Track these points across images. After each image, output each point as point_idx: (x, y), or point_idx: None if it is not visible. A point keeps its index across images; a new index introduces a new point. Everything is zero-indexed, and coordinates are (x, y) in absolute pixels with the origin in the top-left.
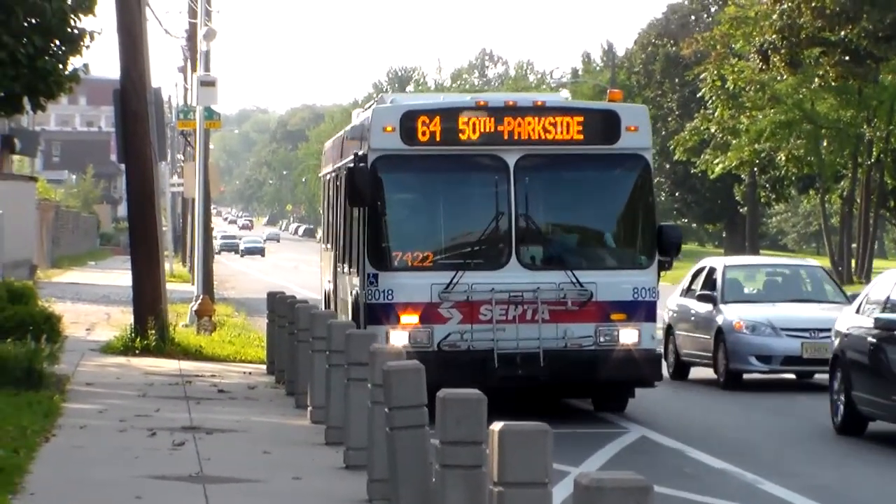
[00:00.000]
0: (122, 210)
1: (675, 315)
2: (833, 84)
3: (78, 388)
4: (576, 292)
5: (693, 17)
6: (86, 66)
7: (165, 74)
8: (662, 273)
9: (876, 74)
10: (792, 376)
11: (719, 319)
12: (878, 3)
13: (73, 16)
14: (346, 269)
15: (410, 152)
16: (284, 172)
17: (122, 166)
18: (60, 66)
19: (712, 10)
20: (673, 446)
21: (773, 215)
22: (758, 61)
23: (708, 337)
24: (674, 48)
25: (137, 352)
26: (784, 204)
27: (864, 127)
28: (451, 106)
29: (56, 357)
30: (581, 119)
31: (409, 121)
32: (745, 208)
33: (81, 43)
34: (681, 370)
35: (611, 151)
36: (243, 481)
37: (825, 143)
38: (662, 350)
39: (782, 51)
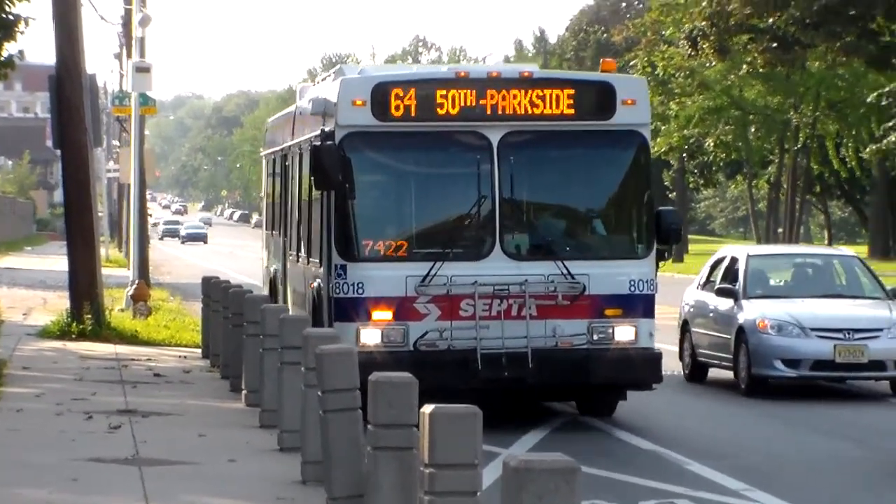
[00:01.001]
0: (59, 196)
1: (692, 310)
2: (761, 71)
3: (14, 372)
4: (567, 285)
5: (624, 4)
6: (21, 52)
7: (101, 60)
8: (662, 263)
9: (803, 61)
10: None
11: (741, 317)
12: None
13: (7, 2)
14: (300, 258)
15: (383, 129)
16: (219, 158)
17: (58, 152)
18: None
19: None
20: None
21: (701, 200)
22: (687, 48)
23: (728, 336)
24: (605, 35)
25: (74, 336)
26: (712, 189)
27: (791, 113)
28: (429, 77)
29: None
30: (572, 92)
31: (381, 94)
32: (674, 193)
33: (16, 29)
34: (698, 371)
35: (605, 128)
36: (179, 463)
37: (753, 130)
38: (658, 349)
39: (711, 37)
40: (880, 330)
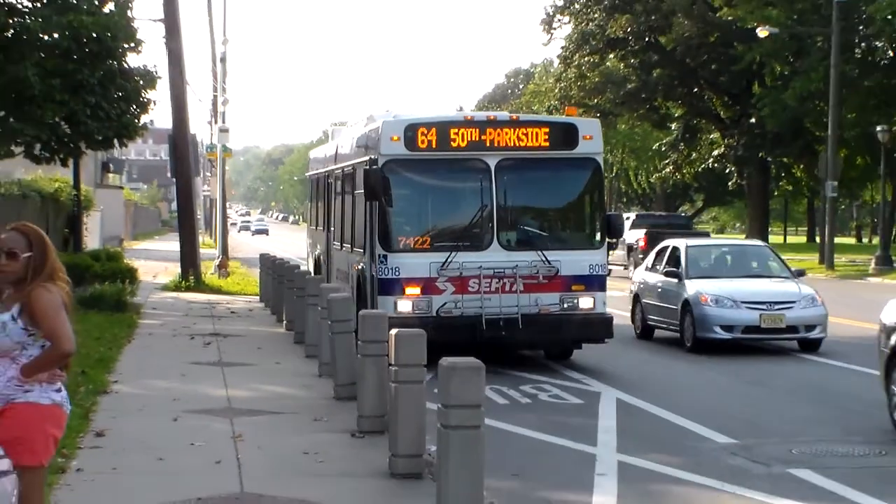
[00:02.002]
0: (174, 206)
1: (641, 287)
2: None
3: (147, 311)
4: (545, 268)
5: (510, 91)
6: (151, 121)
7: (198, 124)
8: (611, 252)
9: (615, 124)
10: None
11: (685, 293)
12: (615, 81)
13: (143, 90)
14: (343, 248)
15: (412, 157)
16: (269, 184)
17: (174, 180)
18: (136, 121)
19: (520, 87)
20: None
21: None
22: None
23: (675, 307)
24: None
25: (183, 289)
26: None
27: (608, 156)
28: (445, 119)
29: (134, 293)
30: (547, 130)
31: (411, 131)
32: None
33: (148, 107)
34: (646, 332)
35: (571, 156)
36: (246, 365)
37: None
38: (611, 313)
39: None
40: (793, 302)
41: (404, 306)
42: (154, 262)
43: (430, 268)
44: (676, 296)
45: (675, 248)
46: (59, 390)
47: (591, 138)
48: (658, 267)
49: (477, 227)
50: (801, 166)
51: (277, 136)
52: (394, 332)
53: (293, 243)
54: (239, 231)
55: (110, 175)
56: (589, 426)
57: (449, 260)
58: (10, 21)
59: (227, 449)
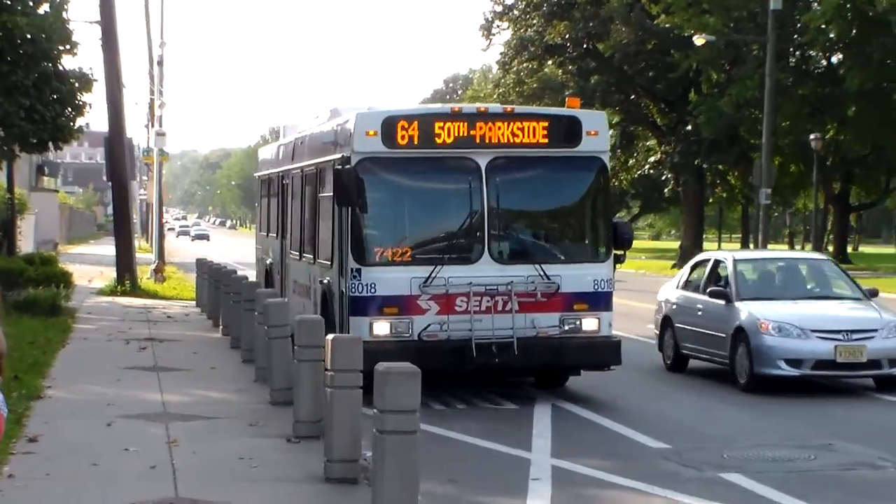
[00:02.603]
0: (110, 209)
1: (674, 307)
2: None
3: (82, 315)
4: (544, 285)
5: (448, 97)
6: (87, 124)
7: (134, 127)
8: (619, 265)
9: None
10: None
11: (738, 318)
12: (553, 87)
13: (79, 93)
14: (303, 258)
15: (390, 155)
16: (207, 188)
17: (110, 184)
18: (71, 123)
19: (459, 92)
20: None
21: None
22: None
23: (723, 335)
24: None
25: (118, 294)
26: None
27: None
28: (429, 112)
29: (69, 297)
30: (546, 124)
31: (389, 125)
32: None
33: (84, 110)
34: (679, 363)
35: (572, 154)
36: (182, 370)
37: None
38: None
39: None
40: (875, 331)
41: (381, 329)
42: (89, 266)
43: (412, 284)
44: (725, 321)
45: (719, 262)
46: None
47: (597, 134)
48: (694, 284)
49: (465, 237)
50: (736, 173)
51: (215, 139)
52: (330, 337)
53: (231, 248)
54: (178, 236)
55: (45, 178)
56: (524, 434)
57: (433, 275)
58: None
59: (161, 454)
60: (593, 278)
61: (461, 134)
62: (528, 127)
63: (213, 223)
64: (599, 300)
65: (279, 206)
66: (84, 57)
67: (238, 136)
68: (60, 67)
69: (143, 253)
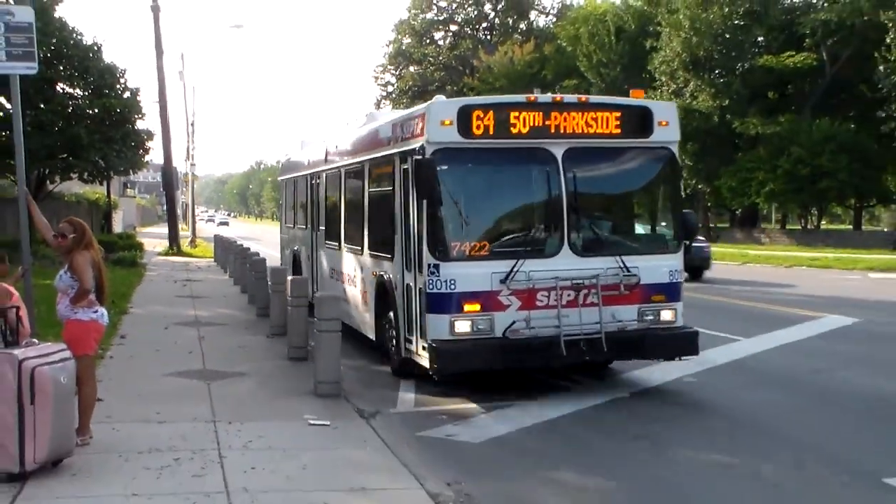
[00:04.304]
0: (165, 208)
1: None
2: None
3: (150, 266)
4: (626, 277)
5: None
6: (151, 159)
7: (178, 158)
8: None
9: None
10: None
11: None
12: (513, 78)
13: (145, 142)
14: (345, 248)
15: (466, 145)
16: (219, 194)
17: (164, 192)
18: (142, 159)
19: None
20: None
21: None
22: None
23: None
24: None
25: (170, 255)
26: None
27: None
28: (504, 101)
29: (141, 256)
30: (619, 114)
31: (465, 115)
32: None
33: (148, 152)
34: None
35: (645, 144)
36: (206, 297)
37: None
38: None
39: None
40: None
41: (462, 326)
42: (154, 239)
43: (492, 279)
44: None
45: None
46: (95, 311)
47: (667, 124)
48: None
49: (544, 229)
50: None
51: (223, 166)
52: (318, 294)
53: (236, 229)
54: (206, 223)
55: (128, 190)
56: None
57: (515, 269)
58: (70, 103)
59: (195, 345)
60: (668, 269)
61: (536, 124)
62: (602, 117)
63: (229, 214)
64: (674, 291)
65: (310, 203)
66: (149, 120)
67: (235, 163)
68: (136, 127)
69: (184, 232)
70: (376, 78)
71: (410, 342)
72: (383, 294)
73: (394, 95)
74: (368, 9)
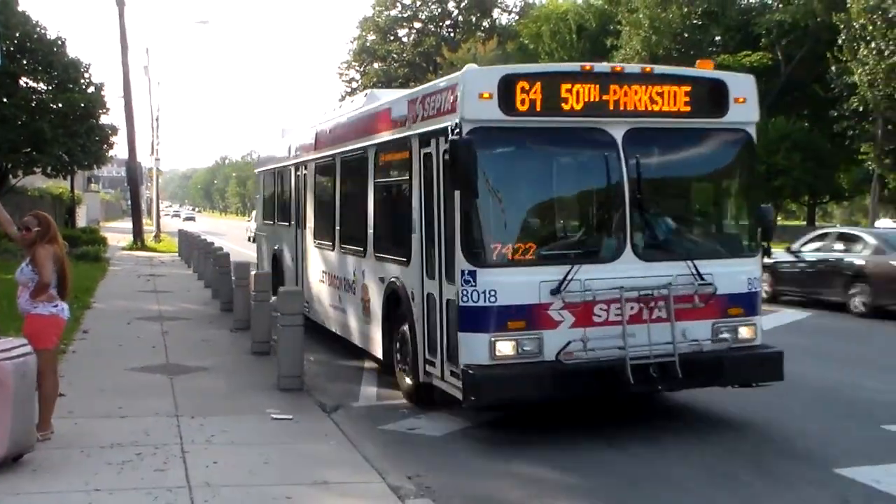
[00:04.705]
0: (129, 202)
1: None
2: None
3: (113, 261)
4: (700, 286)
5: None
6: (115, 154)
7: (142, 153)
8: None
9: None
10: None
11: None
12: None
13: (110, 136)
14: (344, 250)
15: (508, 124)
16: (183, 189)
17: (129, 187)
18: (106, 154)
19: None
20: None
21: None
22: None
23: None
24: None
25: (134, 249)
26: None
27: None
28: (554, 70)
29: (105, 251)
30: (688, 89)
31: (508, 86)
32: None
33: (113, 146)
34: None
35: (719, 126)
36: (168, 292)
37: None
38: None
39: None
40: None
41: (505, 348)
42: (118, 234)
43: (541, 289)
44: None
45: None
46: (55, 306)
47: (745, 101)
48: None
49: (601, 229)
50: None
51: (187, 161)
52: (282, 289)
53: (203, 225)
54: (172, 217)
55: (92, 184)
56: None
57: (569, 277)
58: (34, 97)
59: (158, 339)
60: (747, 277)
61: (592, 98)
62: (669, 92)
63: (192, 209)
64: (753, 303)
65: (295, 197)
66: (114, 115)
67: (200, 158)
68: (100, 122)
69: (148, 227)
70: (341, 74)
71: (432, 364)
72: (395, 305)
73: (358, 92)
74: (334, 6)
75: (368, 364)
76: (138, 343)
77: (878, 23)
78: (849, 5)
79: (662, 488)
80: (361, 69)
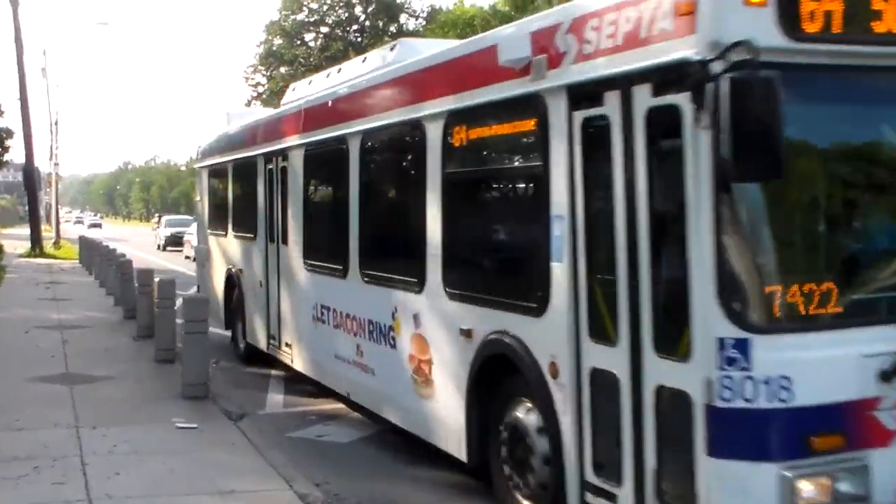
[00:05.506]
0: (27, 208)
1: None
2: None
3: (10, 269)
4: None
5: None
6: (11, 159)
7: (41, 158)
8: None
9: None
10: None
11: None
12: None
13: (5, 140)
14: (363, 277)
15: (795, 60)
16: (84, 195)
17: (26, 192)
18: (1, 158)
19: None
20: None
21: None
22: None
23: None
24: None
25: (32, 256)
26: None
27: None
28: None
29: (1, 259)
30: None
31: None
32: None
33: (8, 150)
34: None
35: None
36: (68, 300)
37: None
38: None
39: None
40: None
41: (812, 491)
42: (15, 241)
43: (861, 373)
44: None
45: None
46: None
47: None
48: None
49: None
50: None
51: (88, 166)
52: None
53: (107, 231)
54: (74, 224)
55: None
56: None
57: None
58: None
59: (58, 348)
60: None
61: None
62: None
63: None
64: None
65: (265, 199)
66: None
67: (101, 163)
68: None
69: (48, 233)
70: (247, 78)
71: (608, 498)
72: (495, 378)
73: (264, 96)
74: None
75: (275, 371)
76: (37, 352)
77: None
78: None
79: None
80: (268, 73)
